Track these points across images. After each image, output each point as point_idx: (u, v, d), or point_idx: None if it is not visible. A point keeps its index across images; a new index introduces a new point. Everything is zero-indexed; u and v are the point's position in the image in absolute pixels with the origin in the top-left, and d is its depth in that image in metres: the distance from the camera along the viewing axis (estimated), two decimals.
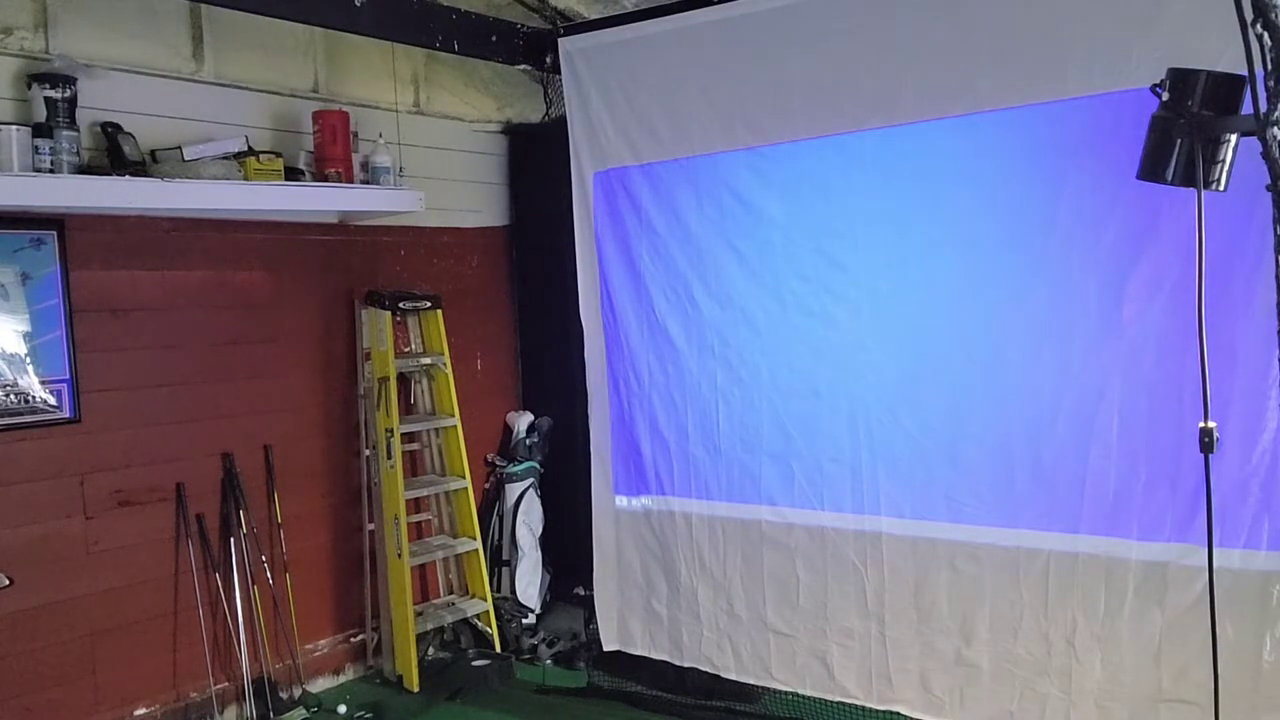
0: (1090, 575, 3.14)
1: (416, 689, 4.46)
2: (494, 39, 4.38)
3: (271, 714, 4.15)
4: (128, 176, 3.55)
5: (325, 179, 4.15)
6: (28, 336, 3.59)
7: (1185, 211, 2.32)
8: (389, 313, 4.52)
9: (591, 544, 4.30)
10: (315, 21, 3.95)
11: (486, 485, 5.26)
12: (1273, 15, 1.73)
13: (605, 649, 4.32)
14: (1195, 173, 2.13)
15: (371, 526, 4.68)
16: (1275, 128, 1.81)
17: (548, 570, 5.22)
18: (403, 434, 4.56)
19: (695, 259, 3.90)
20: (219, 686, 4.10)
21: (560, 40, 4.21)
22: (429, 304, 4.73)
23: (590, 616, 4.40)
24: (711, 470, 3.94)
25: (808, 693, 3.79)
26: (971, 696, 3.40)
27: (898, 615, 3.53)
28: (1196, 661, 2.90)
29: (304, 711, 4.23)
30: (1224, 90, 2.14)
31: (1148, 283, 2.98)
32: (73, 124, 3.46)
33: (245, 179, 3.83)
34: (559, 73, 4.24)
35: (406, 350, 4.81)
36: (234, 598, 4.11)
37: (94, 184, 3.47)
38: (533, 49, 4.45)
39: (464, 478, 4.82)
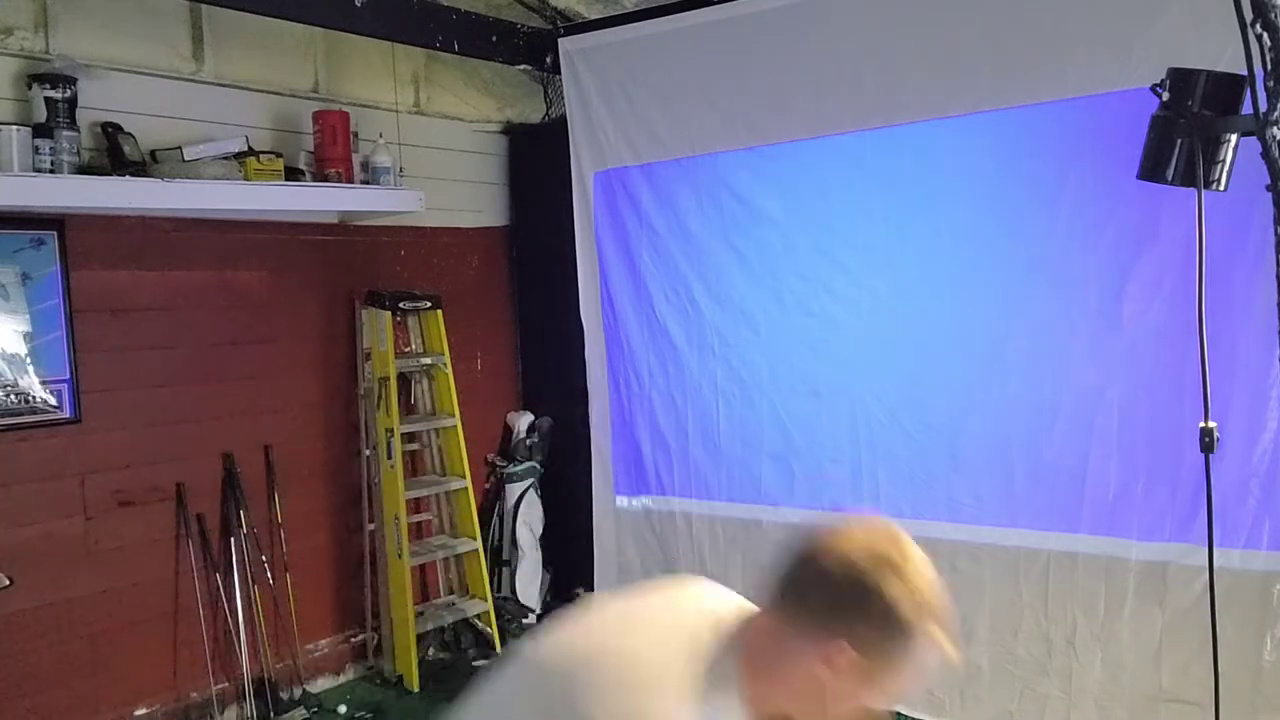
0: (1090, 575, 3.15)
1: (416, 689, 4.46)
2: (494, 39, 4.38)
3: (272, 714, 4.15)
4: (128, 176, 3.55)
5: (325, 179, 4.14)
6: (28, 337, 3.58)
7: (1185, 211, 2.33)
8: (389, 313, 4.52)
9: (592, 544, 4.30)
10: (315, 21, 3.95)
11: (486, 485, 5.26)
12: (1272, 15, 1.74)
13: None
14: (1195, 173, 2.13)
15: (372, 526, 4.68)
16: (1275, 128, 1.81)
17: (548, 570, 5.22)
18: (403, 434, 4.56)
19: (695, 259, 3.90)
20: (219, 686, 4.09)
21: (560, 40, 4.21)
22: (429, 304, 4.73)
23: None
24: (712, 470, 3.94)
25: None
26: (971, 696, 3.40)
27: None
28: (1196, 661, 2.90)
29: (304, 711, 4.23)
30: (1224, 90, 2.15)
31: (1148, 283, 2.99)
32: (73, 124, 3.46)
33: (245, 179, 3.82)
34: (559, 73, 4.24)
35: (406, 350, 4.81)
36: (234, 598, 4.10)
37: (94, 184, 3.47)
38: (533, 49, 4.45)
39: (464, 478, 4.81)
